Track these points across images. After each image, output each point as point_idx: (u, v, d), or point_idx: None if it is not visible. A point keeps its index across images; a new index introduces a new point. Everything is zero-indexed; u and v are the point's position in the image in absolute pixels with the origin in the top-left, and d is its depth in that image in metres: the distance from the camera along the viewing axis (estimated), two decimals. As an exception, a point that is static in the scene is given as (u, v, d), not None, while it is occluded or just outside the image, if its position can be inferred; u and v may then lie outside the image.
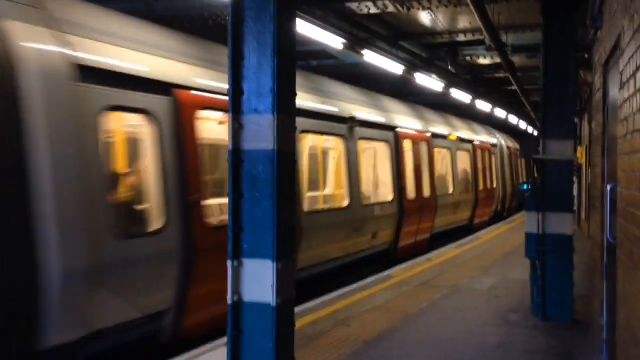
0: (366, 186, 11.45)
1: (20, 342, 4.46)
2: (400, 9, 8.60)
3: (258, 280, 3.41)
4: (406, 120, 13.09)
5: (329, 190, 11.58)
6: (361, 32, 9.50)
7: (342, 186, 10.45)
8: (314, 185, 11.06)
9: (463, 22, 10.38)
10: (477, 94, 15.69)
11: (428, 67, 12.39)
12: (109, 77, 5.28)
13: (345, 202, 9.95)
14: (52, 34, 4.83)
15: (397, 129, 12.17)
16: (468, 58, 12.76)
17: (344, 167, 10.02)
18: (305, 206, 9.39)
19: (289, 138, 3.56)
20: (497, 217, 20.84)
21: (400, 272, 10.30)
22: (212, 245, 5.95)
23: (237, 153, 3.45)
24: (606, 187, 4.24)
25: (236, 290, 3.44)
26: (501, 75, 14.86)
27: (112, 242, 5.16)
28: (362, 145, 10.83)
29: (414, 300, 8.08)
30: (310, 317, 7.13)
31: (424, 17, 10.12)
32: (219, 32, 6.45)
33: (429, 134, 14.17)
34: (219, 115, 7.46)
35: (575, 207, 16.05)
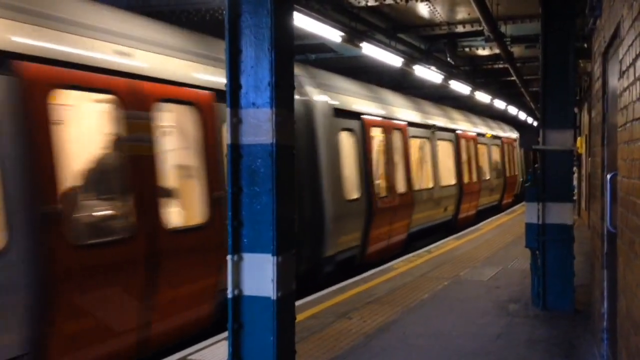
0: (442, 173, 15.07)
1: (317, 251, 8.95)
2: (399, 0, 8.57)
3: (258, 275, 3.41)
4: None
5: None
6: (359, 25, 9.47)
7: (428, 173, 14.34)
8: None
9: (462, 13, 10.34)
10: (476, 85, 15.66)
11: (427, 59, 12.37)
12: (345, 114, 9.93)
13: (431, 184, 14.16)
14: (323, 93, 9.43)
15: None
16: (467, 49, 12.73)
17: (430, 159, 14.35)
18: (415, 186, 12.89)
19: (288, 132, 3.55)
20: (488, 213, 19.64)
21: (401, 264, 10.31)
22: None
23: (236, 148, 3.45)
24: (606, 176, 4.24)
25: (237, 284, 3.45)
26: (500, 66, 14.84)
27: (345, 202, 9.62)
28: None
29: (415, 292, 8.10)
30: (311, 311, 7.14)
31: (423, 9, 10.08)
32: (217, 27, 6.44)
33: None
34: None
35: (575, 197, 16.09)
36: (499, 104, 19.73)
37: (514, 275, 9.17)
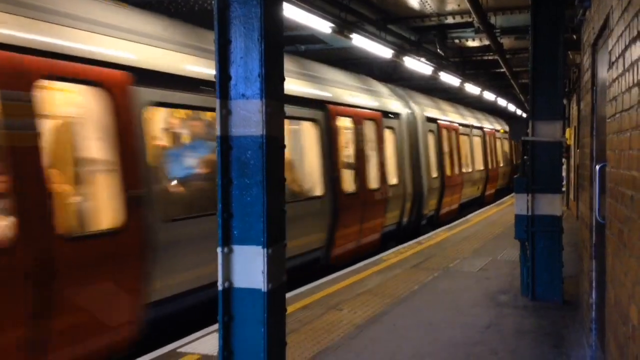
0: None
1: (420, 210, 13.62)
2: (389, -9, 8.54)
3: (249, 267, 3.39)
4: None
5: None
6: (349, 16, 9.43)
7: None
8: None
9: (452, 4, 10.32)
10: (466, 77, 15.68)
11: (417, 50, 12.36)
12: (429, 120, 14.87)
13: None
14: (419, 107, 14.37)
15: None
16: (457, 41, 12.72)
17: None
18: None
19: (278, 124, 3.52)
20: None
21: (391, 255, 10.34)
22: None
23: (225, 139, 3.42)
24: (595, 167, 4.26)
25: (227, 276, 3.43)
26: (490, 57, 14.86)
27: (432, 179, 14.59)
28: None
29: (405, 283, 8.13)
30: (302, 302, 7.15)
31: (413, 0, 10.06)
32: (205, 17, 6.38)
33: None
34: None
35: (564, 188, 16.20)
36: (489, 95, 19.79)
37: (503, 266, 9.22)
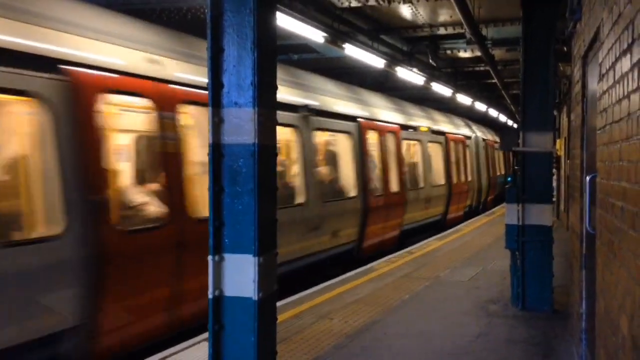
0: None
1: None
2: (382, 2, 8.59)
3: (240, 275, 3.38)
4: None
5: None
6: (342, 26, 9.48)
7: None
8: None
9: (444, 15, 10.40)
10: (457, 87, 15.77)
11: (409, 61, 12.43)
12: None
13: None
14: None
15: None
16: (449, 52, 12.80)
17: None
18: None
19: (270, 132, 3.53)
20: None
21: (382, 264, 10.33)
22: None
23: (217, 147, 3.42)
24: (585, 178, 4.28)
25: (217, 285, 3.42)
26: (481, 68, 14.96)
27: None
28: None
29: (396, 293, 8.12)
30: (292, 311, 7.13)
31: (405, 11, 10.12)
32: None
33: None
34: None
35: (554, 199, 16.28)
36: (480, 106, 19.91)
37: (493, 276, 9.24)
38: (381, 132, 12.43)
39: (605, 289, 3.38)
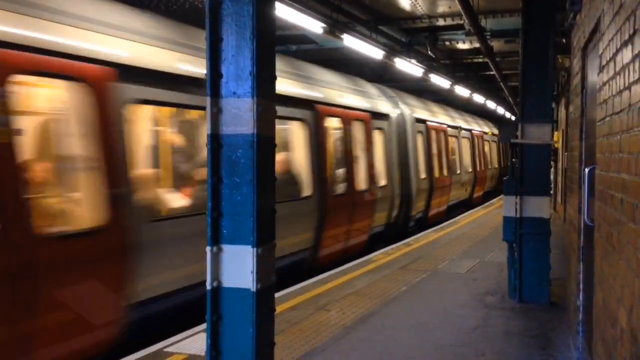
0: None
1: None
2: (380, -8, 8.55)
3: (238, 266, 3.37)
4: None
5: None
6: (340, 16, 9.43)
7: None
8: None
9: (443, 6, 10.35)
10: (456, 79, 15.74)
11: (408, 52, 12.39)
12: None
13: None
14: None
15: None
16: (447, 43, 12.77)
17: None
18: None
19: (269, 122, 3.51)
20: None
21: (380, 256, 10.34)
22: None
23: (216, 138, 3.40)
24: (584, 170, 4.28)
25: (216, 276, 3.40)
26: (480, 60, 14.93)
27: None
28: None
29: (394, 284, 8.13)
30: (290, 302, 7.13)
31: (404, 2, 10.08)
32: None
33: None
34: None
35: (551, 191, 16.29)
36: (478, 98, 19.88)
37: (490, 268, 9.25)
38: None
39: (604, 281, 3.39)
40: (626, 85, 2.78)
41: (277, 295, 7.39)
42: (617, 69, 3.05)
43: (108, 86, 5.50)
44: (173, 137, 7.52)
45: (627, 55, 2.78)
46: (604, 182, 3.47)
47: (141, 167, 6.58)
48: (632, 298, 2.52)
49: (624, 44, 2.84)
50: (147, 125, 7.05)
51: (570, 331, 5.57)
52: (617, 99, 3.06)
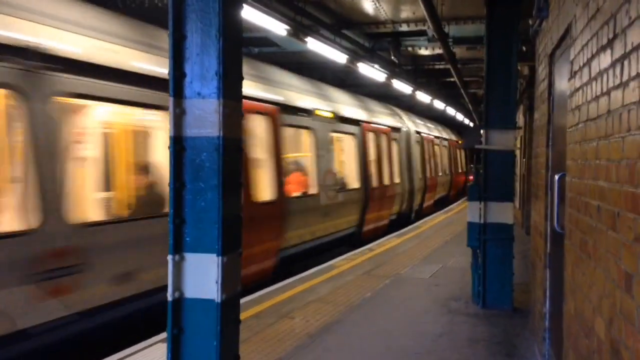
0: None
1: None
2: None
3: (202, 276, 3.19)
4: None
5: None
6: (305, 19, 9.31)
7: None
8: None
9: (406, 12, 10.36)
10: (417, 85, 15.81)
11: (371, 57, 12.36)
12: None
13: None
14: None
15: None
16: (410, 49, 12.80)
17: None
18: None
19: (236, 125, 3.34)
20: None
21: (343, 262, 10.24)
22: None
23: (178, 140, 3.21)
24: (554, 176, 4.25)
25: (177, 286, 3.21)
26: (441, 66, 15.03)
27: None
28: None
29: (357, 291, 8.03)
30: (252, 310, 6.95)
31: (368, 6, 10.03)
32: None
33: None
34: None
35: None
36: (439, 104, 20.05)
37: (453, 273, 9.26)
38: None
39: (576, 290, 3.34)
40: (604, 90, 2.73)
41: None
42: (593, 75, 3.00)
43: None
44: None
45: (605, 60, 2.73)
46: (577, 189, 3.43)
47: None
48: (612, 309, 2.46)
49: (602, 48, 2.79)
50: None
51: (536, 338, 5.55)
52: (592, 105, 3.01)
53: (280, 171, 9.44)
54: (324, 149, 11.37)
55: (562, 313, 3.87)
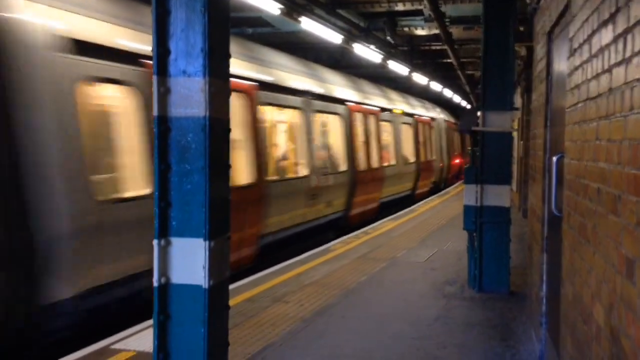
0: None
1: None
2: (340, -27, 8.29)
3: (188, 261, 3.08)
4: None
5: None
6: (299, -3, 9.13)
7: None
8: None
9: (402, -10, 10.17)
10: (413, 66, 15.64)
11: (366, 37, 12.18)
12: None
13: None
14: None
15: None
16: (406, 29, 12.61)
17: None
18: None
19: (223, 104, 3.21)
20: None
21: (338, 245, 10.17)
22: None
23: (163, 120, 3.08)
24: (552, 158, 4.14)
25: (164, 272, 3.11)
26: (438, 47, 14.84)
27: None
28: None
29: (353, 274, 7.96)
30: (246, 294, 6.87)
31: (363, -16, 9.85)
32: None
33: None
34: None
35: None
36: (435, 86, 19.89)
37: (449, 257, 9.19)
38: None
39: (575, 275, 3.25)
40: (605, 67, 2.61)
41: (232, 286, 7.14)
42: (594, 52, 2.88)
43: None
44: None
45: (606, 36, 2.60)
46: (575, 171, 3.32)
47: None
48: (612, 295, 2.37)
49: (603, 23, 2.67)
50: None
51: (532, 322, 5.49)
52: (593, 84, 2.89)
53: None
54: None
55: (560, 298, 3.79)
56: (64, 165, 5.34)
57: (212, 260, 3.08)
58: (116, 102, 6.45)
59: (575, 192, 3.29)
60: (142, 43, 6.32)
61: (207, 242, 3.07)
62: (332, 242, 10.49)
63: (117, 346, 5.18)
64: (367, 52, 12.11)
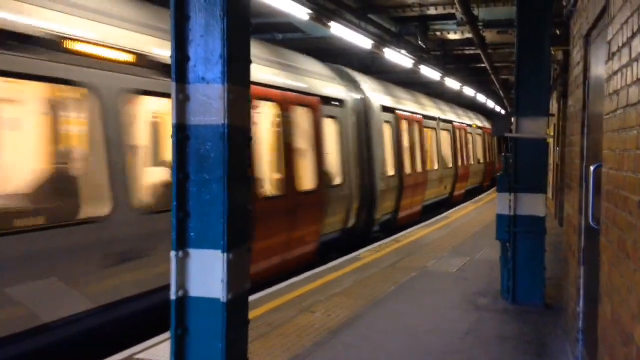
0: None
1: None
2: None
3: (206, 273, 3.00)
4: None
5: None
6: (328, 2, 9.04)
7: None
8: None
9: (434, -6, 10.00)
10: (446, 71, 15.40)
11: (397, 42, 12.02)
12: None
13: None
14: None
15: None
16: (438, 33, 12.41)
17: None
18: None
19: (243, 112, 3.13)
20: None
21: (367, 253, 10.01)
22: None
23: (181, 128, 3.01)
24: (589, 167, 3.94)
25: (181, 284, 3.03)
26: (471, 51, 14.59)
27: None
28: None
29: (382, 284, 7.79)
30: (273, 303, 6.78)
31: (394, -12, 9.71)
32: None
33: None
34: None
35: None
36: (468, 91, 19.57)
37: (481, 267, 8.94)
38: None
39: (613, 292, 3.05)
40: (647, 72, 2.43)
41: (259, 295, 7.06)
42: (634, 55, 2.70)
43: None
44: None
45: (648, 38, 2.43)
46: (614, 181, 3.12)
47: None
48: (655, 318, 2.18)
49: (644, 25, 2.49)
50: None
51: (568, 338, 5.25)
52: (632, 89, 2.71)
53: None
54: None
55: (597, 314, 3.58)
56: (380, 161, 12.29)
57: (230, 273, 2.98)
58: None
59: (614, 204, 3.09)
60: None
61: (225, 254, 2.97)
62: (362, 250, 10.34)
63: (140, 355, 5.13)
64: (399, 57, 11.95)
